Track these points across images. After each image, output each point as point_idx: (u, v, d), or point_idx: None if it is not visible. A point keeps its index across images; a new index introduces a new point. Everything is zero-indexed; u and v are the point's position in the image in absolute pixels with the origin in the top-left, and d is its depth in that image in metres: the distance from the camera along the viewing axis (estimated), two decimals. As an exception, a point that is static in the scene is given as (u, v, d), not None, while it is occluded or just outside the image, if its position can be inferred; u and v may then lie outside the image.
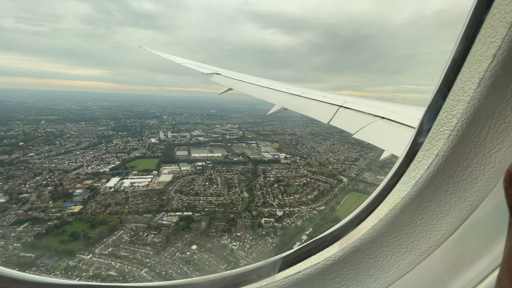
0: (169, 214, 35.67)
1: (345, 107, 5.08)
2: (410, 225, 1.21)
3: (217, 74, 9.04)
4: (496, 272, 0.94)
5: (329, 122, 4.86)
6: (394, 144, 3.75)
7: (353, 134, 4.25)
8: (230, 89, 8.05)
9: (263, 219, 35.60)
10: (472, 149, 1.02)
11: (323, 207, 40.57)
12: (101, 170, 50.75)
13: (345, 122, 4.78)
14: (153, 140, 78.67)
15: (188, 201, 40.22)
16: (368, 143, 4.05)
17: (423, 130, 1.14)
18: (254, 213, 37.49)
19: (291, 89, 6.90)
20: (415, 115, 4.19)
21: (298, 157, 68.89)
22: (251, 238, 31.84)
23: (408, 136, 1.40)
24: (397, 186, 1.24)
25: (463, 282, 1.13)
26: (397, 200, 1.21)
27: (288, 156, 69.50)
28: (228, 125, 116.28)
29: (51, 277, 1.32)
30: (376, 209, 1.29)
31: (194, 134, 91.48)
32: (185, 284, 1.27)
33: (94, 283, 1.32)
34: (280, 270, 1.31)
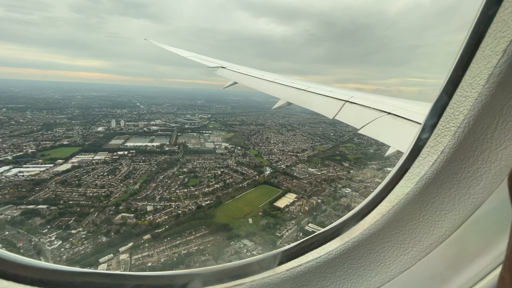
0: (18, 207, 31.48)
1: (351, 102, 4.91)
2: (413, 221, 1.19)
3: (222, 67, 8.94)
4: (498, 270, 0.91)
5: (334, 117, 4.70)
6: (400, 140, 3.66)
7: (358, 130, 4.07)
8: (236, 83, 7.95)
9: (121, 214, 30.84)
10: (479, 146, 1.00)
11: (209, 202, 35.30)
12: (1, 158, 47.30)
13: (351, 117, 4.58)
14: (100, 128, 75.22)
15: (60, 192, 35.90)
16: (372, 138, 3.84)
17: (428, 126, 1.11)
18: (121, 207, 32.76)
19: (296, 84, 6.79)
20: (421, 111, 4.03)
21: (239, 147, 63.44)
22: (84, 237, 27.17)
23: (413, 132, 1.30)
24: (401, 182, 1.21)
25: (465, 279, 1.12)
26: (400, 196, 1.18)
27: (230, 146, 64.29)
28: (199, 115, 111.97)
29: (54, 264, 1.21)
30: (379, 205, 1.26)
31: (152, 123, 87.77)
32: (187, 275, 1.23)
33: (98, 270, 1.23)
34: (281, 263, 1.29)
